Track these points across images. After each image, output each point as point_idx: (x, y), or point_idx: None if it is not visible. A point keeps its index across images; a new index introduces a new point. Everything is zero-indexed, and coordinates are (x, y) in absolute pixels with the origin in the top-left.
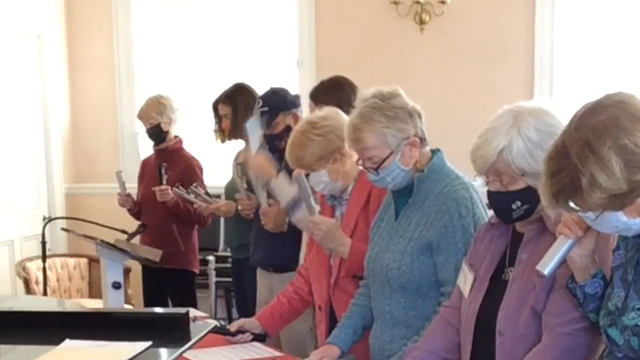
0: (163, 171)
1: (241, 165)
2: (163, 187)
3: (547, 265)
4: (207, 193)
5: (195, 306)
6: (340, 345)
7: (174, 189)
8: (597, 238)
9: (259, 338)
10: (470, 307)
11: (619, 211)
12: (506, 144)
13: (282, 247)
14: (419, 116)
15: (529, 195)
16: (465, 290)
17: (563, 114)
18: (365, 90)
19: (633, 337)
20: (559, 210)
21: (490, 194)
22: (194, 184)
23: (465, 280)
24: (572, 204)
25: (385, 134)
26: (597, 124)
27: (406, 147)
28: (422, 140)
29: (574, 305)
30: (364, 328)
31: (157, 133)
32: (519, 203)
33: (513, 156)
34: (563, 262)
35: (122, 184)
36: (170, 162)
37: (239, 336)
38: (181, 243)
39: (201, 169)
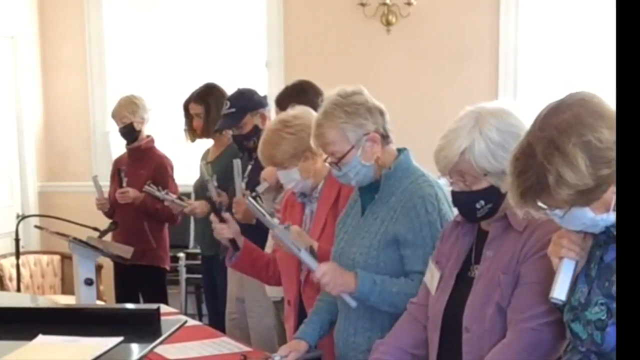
0: (122, 174)
1: (211, 163)
2: (123, 189)
3: (563, 292)
4: (179, 197)
5: (166, 302)
6: (308, 340)
7: (146, 187)
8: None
9: (234, 246)
10: (437, 304)
11: (586, 207)
12: (468, 144)
13: (252, 243)
14: (381, 113)
15: (492, 194)
16: (432, 288)
17: (525, 115)
18: (331, 90)
19: (596, 332)
20: (527, 209)
21: (454, 193)
22: (165, 190)
23: (432, 277)
24: (539, 203)
25: (344, 129)
26: (561, 122)
27: (367, 143)
28: (385, 137)
29: (539, 300)
30: (330, 323)
31: (130, 132)
32: (482, 202)
33: (475, 156)
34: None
35: (99, 188)
36: (142, 160)
37: (222, 228)
38: (152, 240)
39: (172, 168)
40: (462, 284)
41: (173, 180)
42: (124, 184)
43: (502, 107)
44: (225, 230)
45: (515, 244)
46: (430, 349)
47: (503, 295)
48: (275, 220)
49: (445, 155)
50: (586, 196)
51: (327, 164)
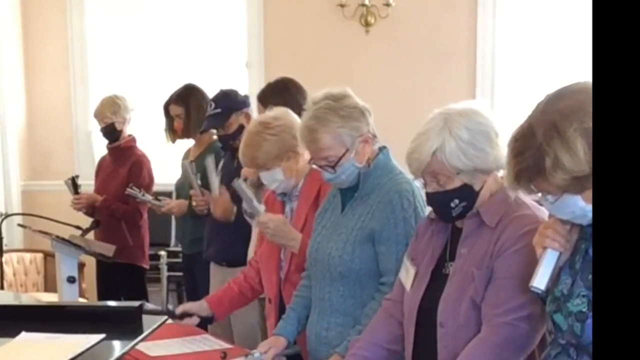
0: (76, 181)
1: (195, 162)
2: (77, 196)
3: (543, 282)
4: (156, 198)
5: (146, 300)
6: (286, 336)
7: (128, 189)
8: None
9: (206, 321)
10: (412, 300)
11: (578, 195)
12: (439, 145)
13: (235, 242)
14: (369, 114)
15: (466, 193)
16: (408, 284)
17: (493, 113)
18: (315, 94)
19: (576, 323)
20: (519, 190)
21: (428, 195)
22: (141, 192)
23: (407, 274)
24: (532, 186)
25: (340, 134)
26: (565, 107)
27: (360, 145)
28: (373, 137)
29: (512, 295)
30: (307, 318)
31: (111, 132)
32: (457, 201)
33: (447, 156)
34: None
35: (72, 191)
36: (121, 159)
37: (186, 320)
38: (129, 238)
39: (149, 167)
40: (437, 281)
41: (149, 178)
42: (79, 191)
43: (470, 107)
44: (191, 322)
45: (489, 240)
46: (406, 345)
47: (477, 290)
48: (262, 207)
49: (417, 157)
50: (580, 183)
51: (314, 166)
